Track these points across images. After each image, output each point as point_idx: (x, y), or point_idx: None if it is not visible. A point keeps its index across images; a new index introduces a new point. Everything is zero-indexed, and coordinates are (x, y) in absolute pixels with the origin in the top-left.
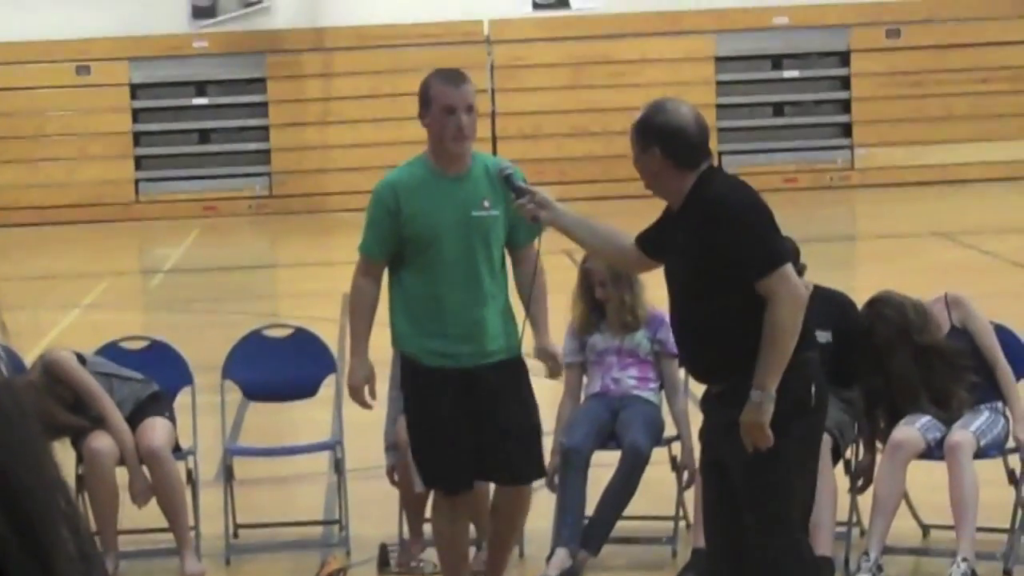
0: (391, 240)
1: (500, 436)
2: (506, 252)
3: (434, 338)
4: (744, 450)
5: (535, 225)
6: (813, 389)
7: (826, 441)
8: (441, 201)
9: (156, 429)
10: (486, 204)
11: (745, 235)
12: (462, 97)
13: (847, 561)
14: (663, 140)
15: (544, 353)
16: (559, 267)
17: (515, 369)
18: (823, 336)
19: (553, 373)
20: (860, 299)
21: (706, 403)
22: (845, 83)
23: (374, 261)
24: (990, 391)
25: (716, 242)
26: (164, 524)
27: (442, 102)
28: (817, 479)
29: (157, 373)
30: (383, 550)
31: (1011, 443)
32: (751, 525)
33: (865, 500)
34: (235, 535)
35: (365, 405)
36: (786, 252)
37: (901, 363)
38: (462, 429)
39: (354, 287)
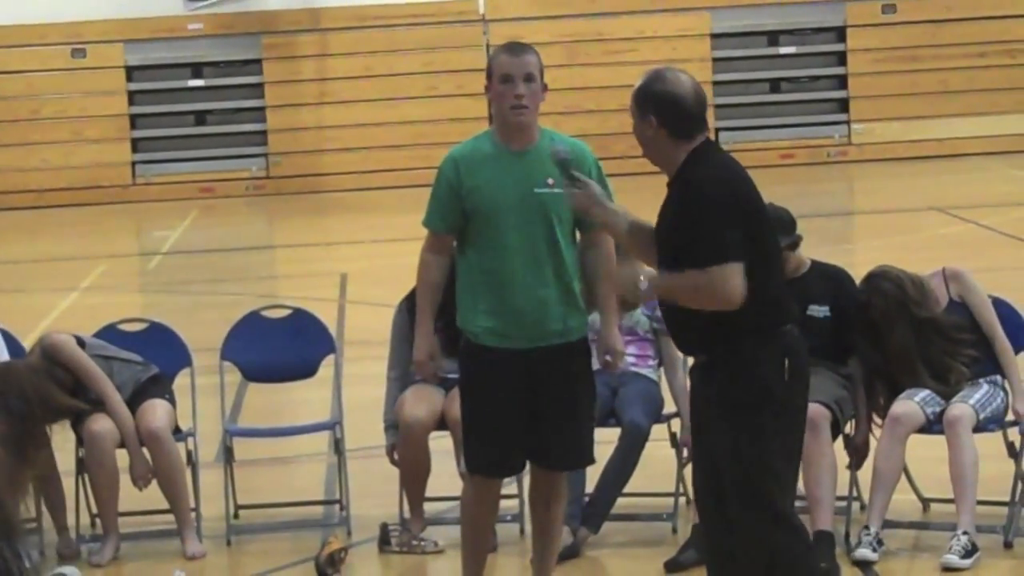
0: (454, 214)
1: (546, 421)
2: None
3: (493, 316)
4: (723, 426)
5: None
6: (786, 362)
7: (825, 416)
8: (502, 176)
9: (156, 411)
10: (550, 181)
11: (701, 226)
12: (520, 66)
13: (847, 535)
14: (659, 108)
15: (603, 346)
16: None
17: (575, 353)
18: (821, 311)
19: (609, 367)
20: (858, 274)
21: (692, 375)
22: (841, 59)
23: (438, 234)
24: (989, 365)
25: (680, 221)
26: (165, 506)
27: (500, 71)
28: (806, 453)
29: (156, 355)
30: (384, 529)
31: (1010, 416)
32: (732, 500)
33: (865, 474)
34: (236, 516)
35: (433, 379)
36: (731, 250)
37: (900, 337)
38: (515, 415)
39: (420, 261)
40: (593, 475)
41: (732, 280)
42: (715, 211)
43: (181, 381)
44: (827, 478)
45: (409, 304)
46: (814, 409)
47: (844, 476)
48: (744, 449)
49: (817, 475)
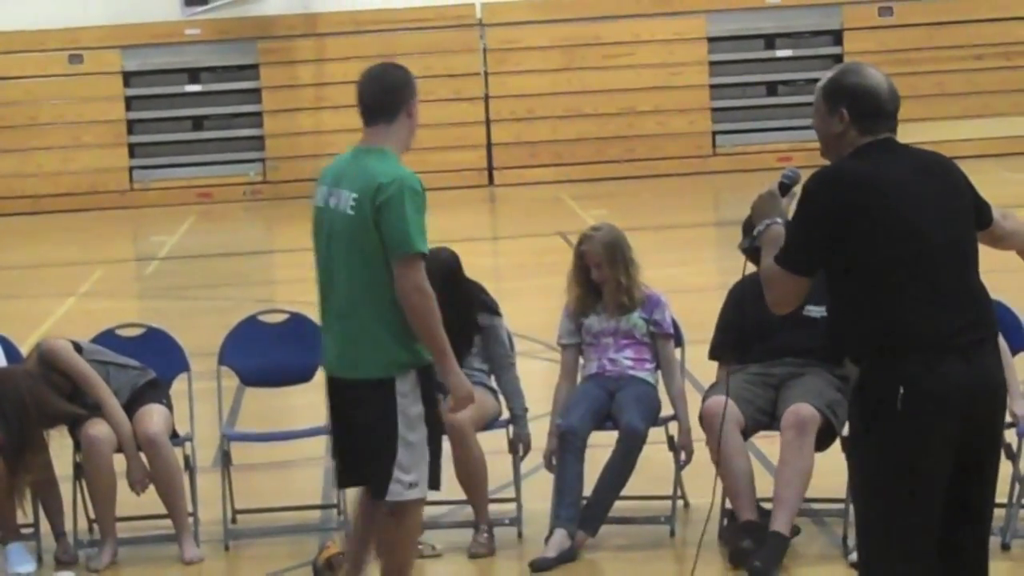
0: None
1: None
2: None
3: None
4: (850, 442)
5: None
6: (901, 392)
7: (815, 419)
8: None
9: (153, 416)
10: None
11: (791, 220)
12: None
13: (845, 538)
14: (854, 101)
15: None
16: (554, 249)
17: None
18: (817, 311)
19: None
20: None
21: None
22: (838, 61)
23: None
24: None
25: None
26: (162, 511)
27: (417, 96)
28: (783, 453)
29: (153, 360)
30: None
31: (1008, 418)
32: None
33: None
34: (233, 520)
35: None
36: (793, 259)
37: None
38: None
39: (425, 292)
40: (591, 478)
41: (779, 288)
42: (800, 213)
43: (178, 386)
44: (797, 481)
45: None
46: (805, 410)
47: (842, 479)
48: (855, 470)
49: (788, 476)
